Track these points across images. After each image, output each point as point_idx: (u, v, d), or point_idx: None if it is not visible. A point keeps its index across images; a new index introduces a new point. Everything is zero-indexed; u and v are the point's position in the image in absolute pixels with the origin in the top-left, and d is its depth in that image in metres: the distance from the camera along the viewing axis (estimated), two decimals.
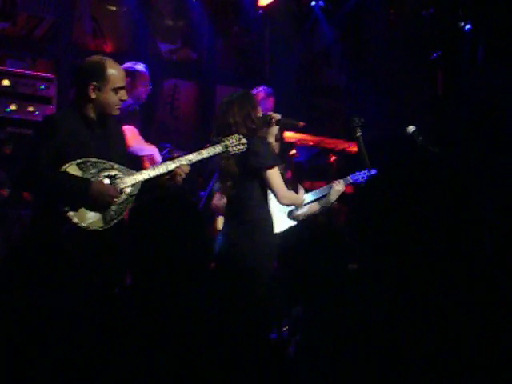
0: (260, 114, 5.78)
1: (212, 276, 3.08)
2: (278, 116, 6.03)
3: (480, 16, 10.36)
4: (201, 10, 9.99)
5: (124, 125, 6.49)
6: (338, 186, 6.33)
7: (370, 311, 2.21)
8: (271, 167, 5.62)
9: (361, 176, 6.32)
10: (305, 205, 6.46)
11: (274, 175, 5.65)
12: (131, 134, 6.70)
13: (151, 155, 6.75)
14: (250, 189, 5.63)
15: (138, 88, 7.24)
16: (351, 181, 6.34)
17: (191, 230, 2.87)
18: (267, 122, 5.90)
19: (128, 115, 6.95)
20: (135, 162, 5.34)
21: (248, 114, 5.65)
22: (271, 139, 6.00)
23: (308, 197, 6.45)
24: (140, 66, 7.18)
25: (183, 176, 4.99)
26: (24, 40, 9.02)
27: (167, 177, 4.97)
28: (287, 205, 5.87)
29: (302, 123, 6.39)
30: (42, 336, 2.81)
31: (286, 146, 6.53)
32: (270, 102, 7.80)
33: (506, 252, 2.80)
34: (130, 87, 7.04)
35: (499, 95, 9.94)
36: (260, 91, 7.74)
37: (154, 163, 6.84)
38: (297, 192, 6.48)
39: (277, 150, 6.31)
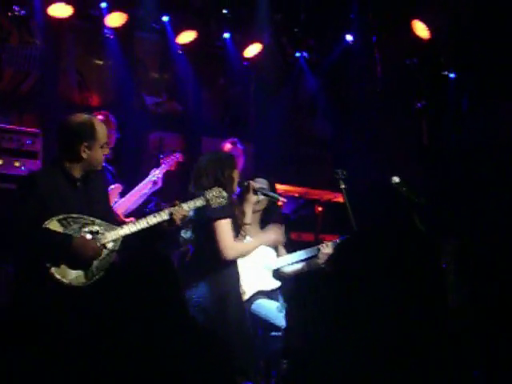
0: (235, 175, 5.78)
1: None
2: (256, 185, 6.03)
3: (463, 64, 10.45)
4: (186, 62, 10.03)
5: None
6: (326, 250, 6.26)
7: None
8: (221, 219, 5.57)
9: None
10: (292, 264, 6.43)
11: (222, 227, 5.59)
12: None
13: None
14: (206, 239, 5.61)
15: None
16: None
17: (165, 291, 2.88)
18: (245, 189, 5.90)
19: None
20: None
21: (221, 168, 5.66)
22: (248, 206, 5.97)
23: (295, 256, 6.41)
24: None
25: (180, 219, 5.07)
26: (10, 95, 9.04)
27: (166, 223, 5.05)
28: (234, 257, 5.67)
29: (283, 200, 6.41)
30: None
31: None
32: (241, 160, 7.88)
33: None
34: None
35: (484, 143, 10.00)
36: (234, 149, 7.83)
37: None
38: (277, 250, 6.45)
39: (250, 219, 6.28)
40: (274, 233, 6.10)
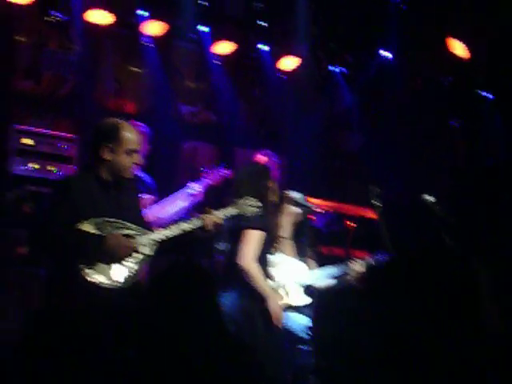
0: (273, 185, 5.79)
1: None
2: (291, 195, 6.04)
3: (499, 84, 10.41)
4: (222, 72, 10.07)
5: None
6: (357, 267, 6.16)
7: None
8: (253, 228, 5.57)
9: (382, 258, 6.07)
10: (322, 279, 6.35)
11: (251, 237, 5.58)
12: None
13: None
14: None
15: None
16: (372, 263, 6.15)
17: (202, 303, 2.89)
18: (282, 201, 5.92)
19: None
20: None
21: (258, 179, 5.68)
22: (284, 219, 5.97)
23: (325, 272, 6.33)
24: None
25: (212, 228, 5.07)
26: (47, 99, 9.11)
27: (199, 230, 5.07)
28: (244, 270, 5.58)
29: (319, 211, 6.35)
30: None
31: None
32: (276, 173, 7.74)
33: None
34: None
35: None
36: (269, 162, 7.72)
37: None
38: (305, 261, 6.39)
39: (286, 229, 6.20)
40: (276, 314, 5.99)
